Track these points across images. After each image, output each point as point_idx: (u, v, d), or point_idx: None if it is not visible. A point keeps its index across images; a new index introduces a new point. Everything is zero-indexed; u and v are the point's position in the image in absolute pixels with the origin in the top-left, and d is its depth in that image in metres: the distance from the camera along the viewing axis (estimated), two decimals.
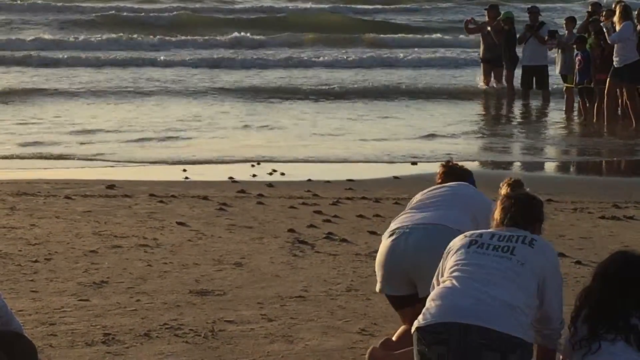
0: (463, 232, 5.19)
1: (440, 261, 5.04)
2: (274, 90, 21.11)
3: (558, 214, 9.96)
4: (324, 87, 21.53)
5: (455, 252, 4.97)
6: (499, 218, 5.08)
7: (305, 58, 25.97)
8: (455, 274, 4.86)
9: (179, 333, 6.23)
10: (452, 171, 6.65)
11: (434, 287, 4.97)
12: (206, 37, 29.15)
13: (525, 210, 5.07)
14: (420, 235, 5.97)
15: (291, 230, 9.22)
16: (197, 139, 15.59)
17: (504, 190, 5.45)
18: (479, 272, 4.81)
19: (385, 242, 6.10)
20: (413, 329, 4.78)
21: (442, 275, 4.95)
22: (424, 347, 4.70)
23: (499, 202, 5.14)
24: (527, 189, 5.76)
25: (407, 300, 5.96)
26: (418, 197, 6.41)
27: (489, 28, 20.99)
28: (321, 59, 25.85)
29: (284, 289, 7.29)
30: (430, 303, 4.79)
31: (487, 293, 4.72)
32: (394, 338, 5.97)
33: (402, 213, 6.31)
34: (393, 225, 6.19)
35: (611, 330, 4.63)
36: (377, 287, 6.14)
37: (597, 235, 9.20)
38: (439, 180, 6.59)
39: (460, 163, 6.98)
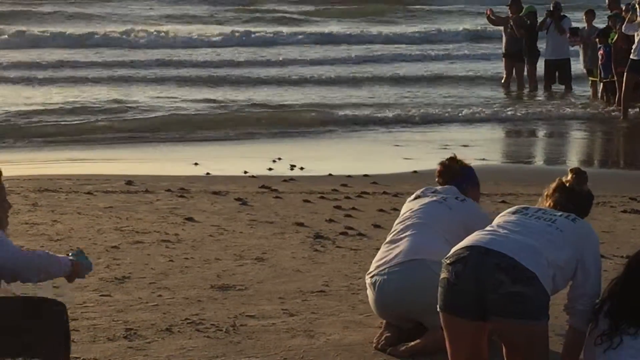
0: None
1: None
2: None
3: None
4: None
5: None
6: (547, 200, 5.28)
7: None
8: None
9: (200, 328, 6.24)
10: (450, 169, 6.54)
11: None
12: None
13: (574, 202, 5.23)
14: (398, 279, 5.94)
15: (311, 226, 9.23)
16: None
17: (569, 176, 5.47)
18: (513, 227, 4.93)
19: (369, 293, 6.14)
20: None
21: None
22: (445, 270, 4.86)
23: (555, 183, 5.30)
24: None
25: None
26: (404, 207, 6.43)
27: (511, 22, 20.96)
28: None
29: (305, 283, 7.29)
30: None
31: (515, 236, 4.87)
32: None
33: (383, 244, 6.30)
34: (373, 265, 6.19)
35: (633, 324, 4.61)
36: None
37: (619, 229, 9.16)
38: (437, 179, 6.57)
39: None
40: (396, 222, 6.36)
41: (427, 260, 5.82)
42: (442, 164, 6.58)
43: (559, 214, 5.06)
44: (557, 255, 4.84)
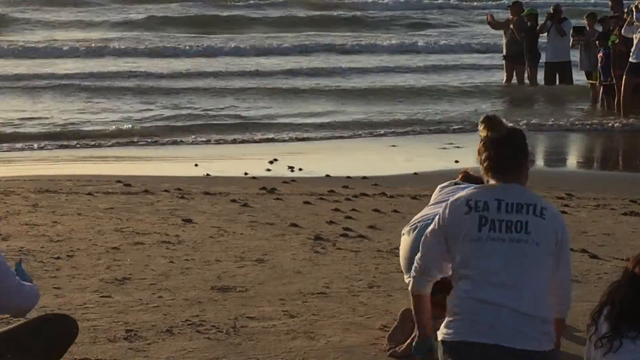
0: None
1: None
2: None
3: (580, 211, 9.93)
4: None
5: (465, 236, 4.82)
6: (487, 167, 4.93)
7: None
8: (472, 272, 4.78)
9: (201, 329, 6.24)
10: (472, 176, 6.72)
11: (427, 241, 4.92)
12: None
13: (509, 155, 4.99)
14: None
15: (311, 227, 9.23)
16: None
17: (483, 133, 5.32)
18: (497, 271, 4.77)
19: (408, 236, 6.10)
20: (439, 337, 4.76)
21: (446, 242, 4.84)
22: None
23: (481, 147, 4.96)
24: (505, 122, 5.56)
25: (438, 286, 5.95)
26: (436, 193, 6.48)
27: (511, 25, 20.99)
28: None
29: (305, 285, 7.30)
30: (452, 312, 4.75)
31: (508, 304, 4.69)
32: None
33: (426, 207, 6.35)
34: (414, 220, 6.22)
35: (633, 328, 4.61)
36: (406, 280, 6.19)
37: (619, 232, 9.16)
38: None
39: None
40: (439, 192, 6.41)
41: None
42: (465, 170, 6.76)
43: (525, 208, 4.83)
44: (546, 280, 4.77)
